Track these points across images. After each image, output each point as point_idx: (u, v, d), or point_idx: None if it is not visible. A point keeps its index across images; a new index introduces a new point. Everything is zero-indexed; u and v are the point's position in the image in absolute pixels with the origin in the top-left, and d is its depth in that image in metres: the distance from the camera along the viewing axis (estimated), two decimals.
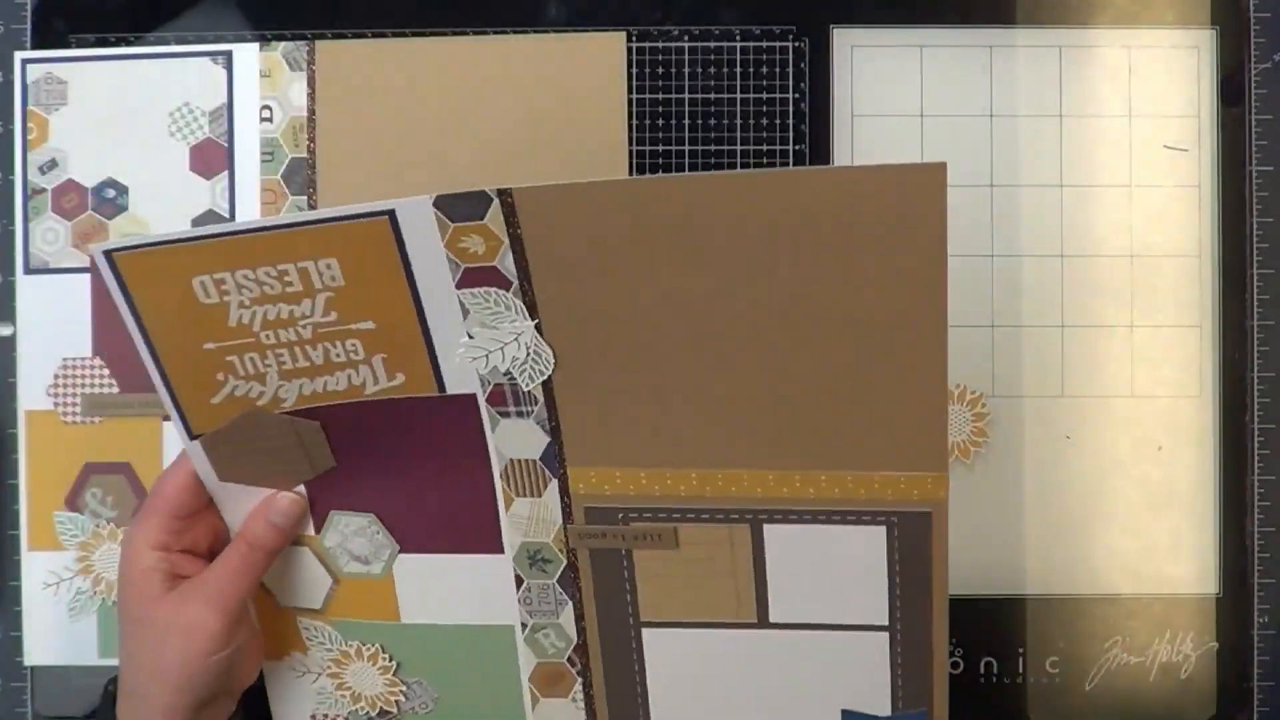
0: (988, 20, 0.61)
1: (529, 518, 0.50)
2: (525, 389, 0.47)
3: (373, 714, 0.54)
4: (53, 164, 0.60)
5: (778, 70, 0.60)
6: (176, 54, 0.60)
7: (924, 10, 0.60)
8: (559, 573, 0.51)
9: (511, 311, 0.46)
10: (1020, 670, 0.60)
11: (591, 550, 0.50)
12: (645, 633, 0.51)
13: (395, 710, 0.54)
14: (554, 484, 0.49)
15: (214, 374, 0.47)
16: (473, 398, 0.48)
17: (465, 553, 0.51)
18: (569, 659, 0.52)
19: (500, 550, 0.50)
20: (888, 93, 0.61)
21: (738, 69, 0.60)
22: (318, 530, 0.51)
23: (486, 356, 0.47)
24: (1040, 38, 0.60)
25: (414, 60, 0.59)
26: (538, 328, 0.46)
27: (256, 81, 0.60)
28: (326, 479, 0.50)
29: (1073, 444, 0.61)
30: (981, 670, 0.60)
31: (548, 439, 0.48)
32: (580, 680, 0.53)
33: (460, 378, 0.48)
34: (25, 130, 0.60)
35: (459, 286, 0.46)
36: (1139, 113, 0.60)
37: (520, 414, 0.48)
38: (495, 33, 0.60)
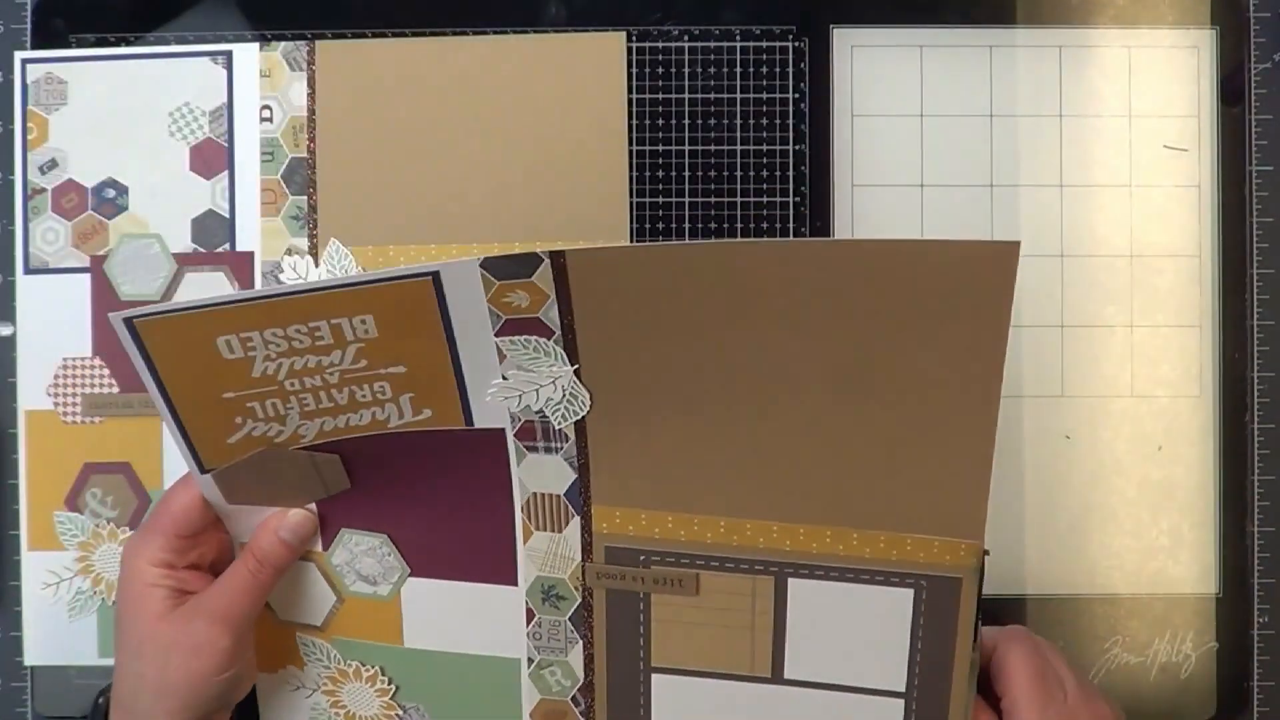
0: (988, 20, 0.61)
1: (547, 552, 0.49)
2: (557, 427, 0.47)
3: None
4: (53, 164, 0.60)
5: (778, 70, 0.60)
6: (176, 54, 0.60)
7: (924, 10, 0.60)
8: (572, 610, 0.50)
9: (551, 357, 0.46)
10: None
11: (608, 590, 0.49)
12: (655, 678, 0.51)
13: None
14: (576, 521, 0.49)
15: (232, 418, 0.46)
16: (501, 432, 0.47)
17: (477, 581, 0.50)
18: (573, 698, 0.52)
19: (514, 582, 0.50)
20: (888, 93, 0.61)
21: (738, 69, 0.60)
22: (326, 547, 0.51)
23: (520, 396, 0.46)
24: (1040, 38, 0.60)
25: (414, 60, 0.59)
26: (576, 373, 0.46)
27: (256, 81, 0.60)
28: (341, 497, 0.49)
29: (1073, 444, 0.61)
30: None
31: (574, 475, 0.48)
32: None
33: (490, 414, 0.47)
34: (25, 130, 0.60)
35: (498, 335, 0.45)
36: (1139, 113, 0.60)
37: (549, 449, 0.48)
38: (495, 33, 0.60)
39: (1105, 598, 0.61)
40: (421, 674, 0.52)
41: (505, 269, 0.44)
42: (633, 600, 0.49)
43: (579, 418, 0.47)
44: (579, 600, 0.50)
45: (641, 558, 0.49)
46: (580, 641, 0.50)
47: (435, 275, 0.43)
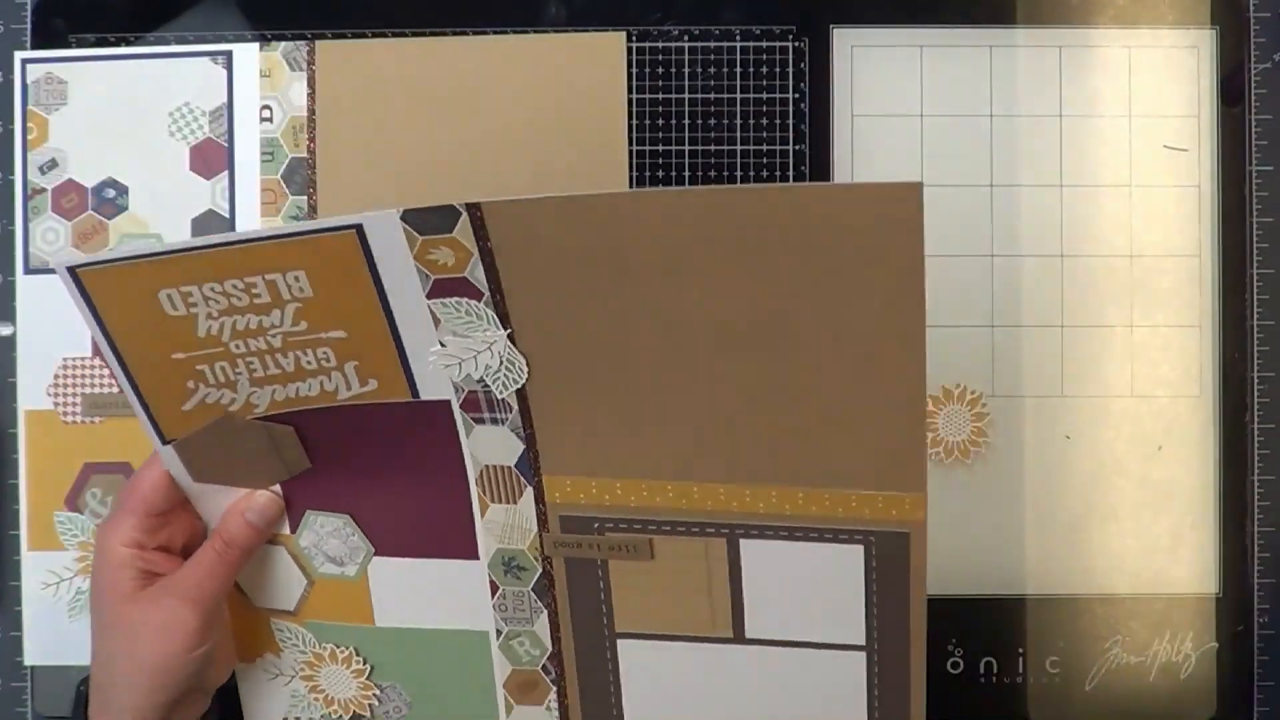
0: (988, 20, 0.61)
1: (504, 524, 0.50)
2: (499, 396, 0.47)
3: (345, 718, 0.54)
4: (53, 164, 0.60)
5: (778, 70, 0.60)
6: (176, 54, 0.60)
7: (924, 10, 0.60)
8: (534, 580, 0.50)
9: (484, 321, 0.46)
10: (1020, 670, 0.60)
11: (567, 559, 0.50)
12: (620, 644, 0.51)
13: (369, 714, 0.54)
14: (529, 491, 0.49)
15: (184, 382, 0.47)
16: (447, 404, 0.48)
17: (440, 557, 0.51)
18: (543, 667, 0.52)
19: (475, 556, 0.50)
20: (888, 93, 0.61)
21: (738, 69, 0.60)
22: (294, 530, 0.51)
23: (460, 364, 0.47)
24: (1040, 38, 0.60)
25: (414, 60, 0.59)
26: (510, 337, 0.46)
27: (256, 81, 0.60)
28: (303, 479, 0.50)
29: (1073, 444, 0.61)
30: (981, 670, 0.60)
31: (522, 446, 0.48)
32: (555, 689, 0.52)
33: (434, 384, 0.47)
34: (25, 130, 0.60)
35: (430, 296, 0.46)
36: (1139, 113, 0.60)
37: (495, 420, 0.48)
38: (495, 33, 0.60)
39: (1105, 598, 0.61)
40: (395, 652, 0.52)
41: (426, 222, 0.44)
42: (591, 568, 0.50)
43: (519, 385, 0.47)
44: (540, 570, 0.50)
45: (595, 525, 0.49)
46: (545, 611, 0.51)
47: (359, 228, 0.44)
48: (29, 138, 0.60)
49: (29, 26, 0.61)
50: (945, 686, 0.60)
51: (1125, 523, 0.61)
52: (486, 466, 0.49)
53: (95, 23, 0.61)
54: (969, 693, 0.60)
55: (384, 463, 0.49)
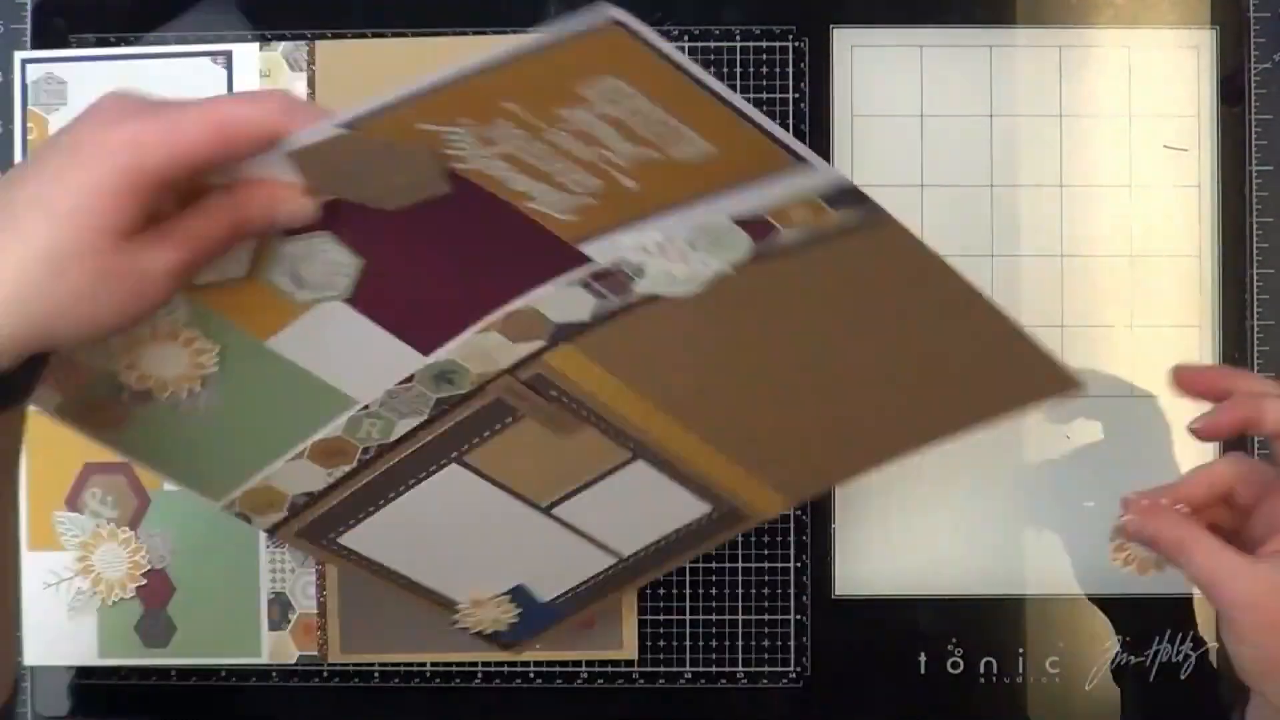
0: (988, 20, 0.61)
1: (485, 350, 0.47)
2: (636, 290, 0.45)
3: (163, 395, 0.47)
4: None
5: (778, 70, 0.60)
6: (176, 54, 0.60)
7: (924, 10, 0.60)
8: (448, 394, 0.48)
9: (708, 252, 0.44)
10: (1020, 670, 0.61)
11: (496, 399, 0.49)
12: (450, 467, 0.51)
13: (178, 395, 0.47)
14: (539, 346, 0.47)
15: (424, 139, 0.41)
16: (582, 260, 0.44)
17: (396, 335, 0.46)
18: (366, 449, 0.50)
19: (428, 354, 0.47)
20: (888, 93, 0.61)
21: (738, 69, 0.60)
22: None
23: (650, 260, 0.44)
24: (1040, 38, 0.60)
25: (414, 60, 0.59)
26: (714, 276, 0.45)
27: (257, 81, 0.60)
28: (355, 209, 0.43)
29: (1073, 444, 0.61)
30: (981, 670, 0.60)
31: (587, 321, 0.46)
32: (353, 465, 0.50)
33: (603, 247, 0.44)
34: (25, 130, 0.60)
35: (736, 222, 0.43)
36: (1139, 113, 0.60)
37: (599, 294, 0.45)
38: (495, 33, 0.60)
39: (1105, 598, 0.61)
40: (250, 368, 0.47)
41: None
42: (506, 412, 0.49)
43: (655, 294, 0.45)
44: (462, 391, 0.48)
45: (554, 393, 0.49)
46: (425, 416, 0.49)
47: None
48: (29, 138, 0.60)
49: (29, 26, 0.61)
50: (945, 686, 0.60)
51: None
52: (534, 310, 0.46)
53: (95, 23, 0.61)
54: (969, 693, 0.60)
55: (457, 247, 0.44)
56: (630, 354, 0.48)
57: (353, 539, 0.53)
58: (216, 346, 0.46)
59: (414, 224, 0.44)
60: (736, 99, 0.39)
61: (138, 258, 0.39)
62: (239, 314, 0.46)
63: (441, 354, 0.48)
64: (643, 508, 0.53)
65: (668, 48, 0.37)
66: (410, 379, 0.48)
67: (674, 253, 0.45)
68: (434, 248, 0.45)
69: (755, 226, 0.44)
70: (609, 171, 0.41)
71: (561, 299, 0.46)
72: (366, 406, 0.49)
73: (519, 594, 0.56)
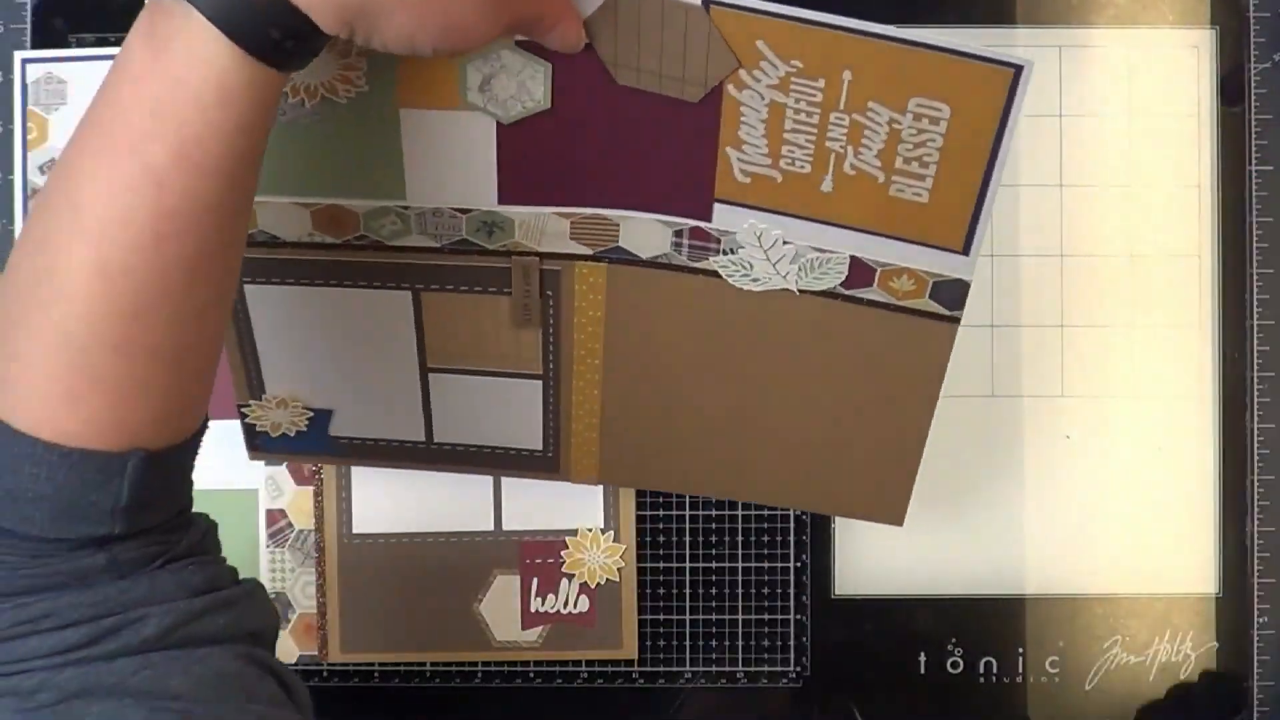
0: (988, 20, 0.60)
1: (543, 228, 0.49)
2: (710, 262, 0.48)
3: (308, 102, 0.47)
4: (53, 164, 0.60)
5: None
6: None
7: (923, 10, 0.60)
8: (474, 241, 0.50)
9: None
10: (1020, 670, 0.61)
11: (504, 268, 0.50)
12: (399, 292, 0.51)
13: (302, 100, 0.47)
14: (585, 253, 0.49)
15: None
16: (705, 217, 0.47)
17: (497, 174, 0.48)
18: (361, 235, 0.50)
19: (501, 203, 0.48)
20: None
21: None
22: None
23: (751, 244, 0.47)
24: (1040, 38, 0.60)
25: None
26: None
27: None
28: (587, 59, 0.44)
29: (1073, 444, 0.61)
30: (981, 670, 0.60)
31: (641, 260, 0.49)
32: (329, 240, 0.50)
33: (728, 218, 0.47)
34: (25, 130, 0.60)
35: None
36: (1139, 113, 0.60)
37: (676, 246, 0.48)
38: None
39: (1105, 598, 0.61)
40: (365, 115, 0.47)
41: None
42: (496, 283, 0.51)
43: (723, 278, 0.49)
44: (488, 247, 0.50)
45: (550, 293, 0.51)
46: (437, 244, 0.50)
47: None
48: (29, 138, 0.60)
49: (29, 26, 0.61)
50: (945, 686, 0.60)
51: (1125, 522, 0.61)
52: (616, 228, 0.48)
53: (95, 23, 0.61)
54: (969, 693, 0.60)
55: (625, 141, 0.46)
56: (634, 304, 0.50)
57: (254, 291, 0.52)
58: (364, 82, 0.46)
59: (621, 103, 0.45)
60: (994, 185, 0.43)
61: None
62: (406, 73, 0.46)
63: (511, 210, 0.49)
64: (495, 415, 0.55)
65: (1015, 114, 0.41)
66: (466, 211, 0.49)
67: (774, 252, 0.47)
68: (612, 131, 0.46)
69: (861, 270, 0.46)
70: (828, 166, 0.44)
71: (647, 232, 0.48)
72: (407, 207, 0.49)
73: (319, 417, 0.56)
